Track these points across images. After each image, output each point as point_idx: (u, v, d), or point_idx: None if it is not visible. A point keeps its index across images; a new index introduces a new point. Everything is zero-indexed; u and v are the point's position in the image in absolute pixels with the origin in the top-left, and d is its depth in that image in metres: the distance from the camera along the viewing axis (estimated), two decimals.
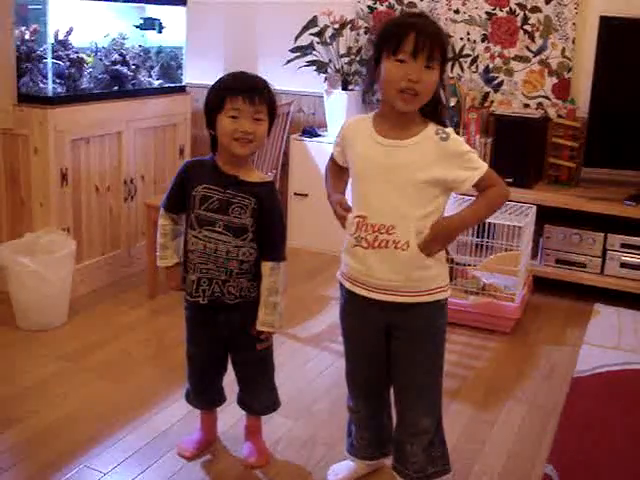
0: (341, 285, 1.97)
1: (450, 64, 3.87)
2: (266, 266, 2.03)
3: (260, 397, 2.20)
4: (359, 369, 2.04)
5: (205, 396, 2.25)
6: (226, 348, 2.16)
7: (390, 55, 1.73)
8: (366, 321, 1.94)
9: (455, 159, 1.79)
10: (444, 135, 1.80)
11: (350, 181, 1.93)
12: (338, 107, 4.08)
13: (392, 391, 2.03)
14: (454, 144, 1.80)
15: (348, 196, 1.94)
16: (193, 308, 2.11)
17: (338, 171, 2.00)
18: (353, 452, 2.14)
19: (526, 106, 3.95)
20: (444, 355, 1.97)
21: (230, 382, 2.24)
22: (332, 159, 2.02)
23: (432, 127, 1.81)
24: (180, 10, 3.94)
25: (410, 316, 1.88)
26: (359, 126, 1.88)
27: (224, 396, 2.28)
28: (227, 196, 1.99)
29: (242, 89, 1.93)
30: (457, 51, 3.98)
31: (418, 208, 1.80)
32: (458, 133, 1.88)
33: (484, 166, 1.82)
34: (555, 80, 3.87)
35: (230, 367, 2.21)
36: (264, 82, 1.99)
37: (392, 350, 1.94)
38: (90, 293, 3.45)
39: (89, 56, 3.46)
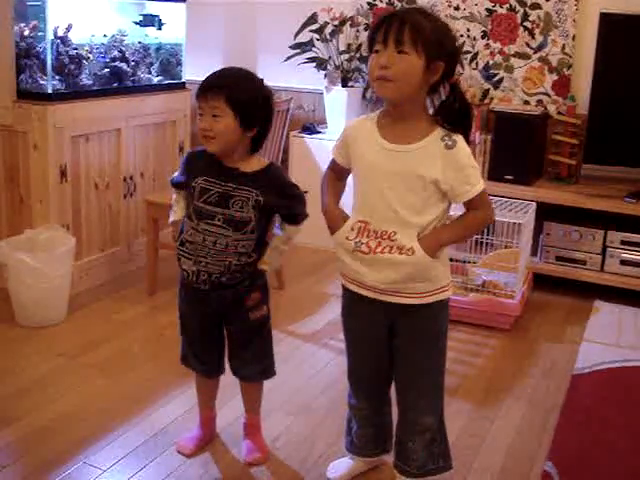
0: (343, 285, 1.96)
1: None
2: (288, 226, 2.07)
3: (250, 362, 2.17)
4: (361, 367, 2.04)
5: (201, 364, 2.21)
6: (219, 319, 2.15)
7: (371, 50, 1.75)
8: (368, 320, 1.93)
9: (455, 170, 1.76)
10: (450, 142, 1.76)
11: (353, 184, 1.90)
12: (338, 104, 4.08)
13: (393, 388, 2.03)
14: (458, 154, 1.76)
15: (346, 202, 1.93)
16: (186, 288, 2.11)
17: (337, 180, 1.97)
18: (353, 450, 2.14)
19: (526, 103, 3.94)
20: (446, 353, 1.96)
21: (230, 376, 2.25)
22: (331, 167, 1.97)
23: (440, 131, 1.77)
24: (180, 6, 3.94)
25: (412, 316, 1.87)
26: (362, 128, 1.85)
27: (223, 367, 2.23)
28: (227, 189, 1.98)
29: (202, 87, 1.96)
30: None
31: (420, 215, 1.78)
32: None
33: (480, 185, 1.79)
34: (555, 77, 3.87)
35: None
36: (229, 75, 1.99)
37: (394, 349, 1.94)
38: (89, 290, 3.45)
39: (85, 50, 3.43)
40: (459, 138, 1.78)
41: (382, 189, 1.79)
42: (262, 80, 2.04)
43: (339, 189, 1.98)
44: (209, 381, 2.26)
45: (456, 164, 1.76)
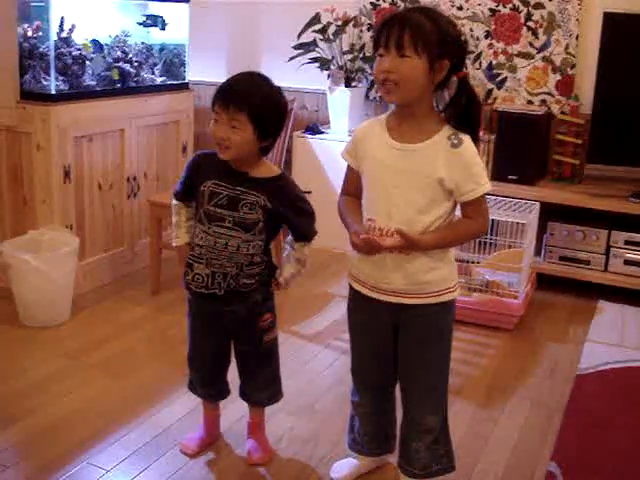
0: (350, 283, 1.97)
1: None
2: (298, 244, 2.07)
3: (261, 388, 2.20)
4: (365, 365, 2.04)
5: (209, 389, 2.25)
6: (229, 340, 2.16)
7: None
8: (374, 320, 1.93)
9: (461, 169, 1.76)
10: (456, 141, 1.76)
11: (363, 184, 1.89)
12: (341, 104, 4.07)
13: (398, 388, 2.03)
14: (464, 153, 1.76)
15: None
16: (197, 300, 2.11)
17: (355, 198, 1.93)
18: (355, 448, 2.14)
19: (529, 103, 3.93)
20: (450, 354, 1.96)
21: (234, 377, 2.24)
22: (345, 183, 1.96)
23: (446, 130, 1.78)
24: (183, 7, 3.93)
25: (418, 316, 1.87)
26: (372, 128, 1.87)
27: (228, 389, 2.27)
28: (236, 193, 1.98)
29: (222, 93, 1.92)
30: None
31: (424, 214, 1.79)
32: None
33: (487, 185, 1.79)
34: (559, 77, 3.86)
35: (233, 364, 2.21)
36: (254, 89, 1.95)
37: (399, 348, 1.94)
38: (93, 290, 3.45)
39: (87, 46, 3.43)
40: (466, 137, 1.78)
41: (388, 187, 1.80)
42: (280, 89, 2.03)
43: (359, 211, 1.91)
44: (215, 403, 2.29)
45: (461, 163, 1.76)
